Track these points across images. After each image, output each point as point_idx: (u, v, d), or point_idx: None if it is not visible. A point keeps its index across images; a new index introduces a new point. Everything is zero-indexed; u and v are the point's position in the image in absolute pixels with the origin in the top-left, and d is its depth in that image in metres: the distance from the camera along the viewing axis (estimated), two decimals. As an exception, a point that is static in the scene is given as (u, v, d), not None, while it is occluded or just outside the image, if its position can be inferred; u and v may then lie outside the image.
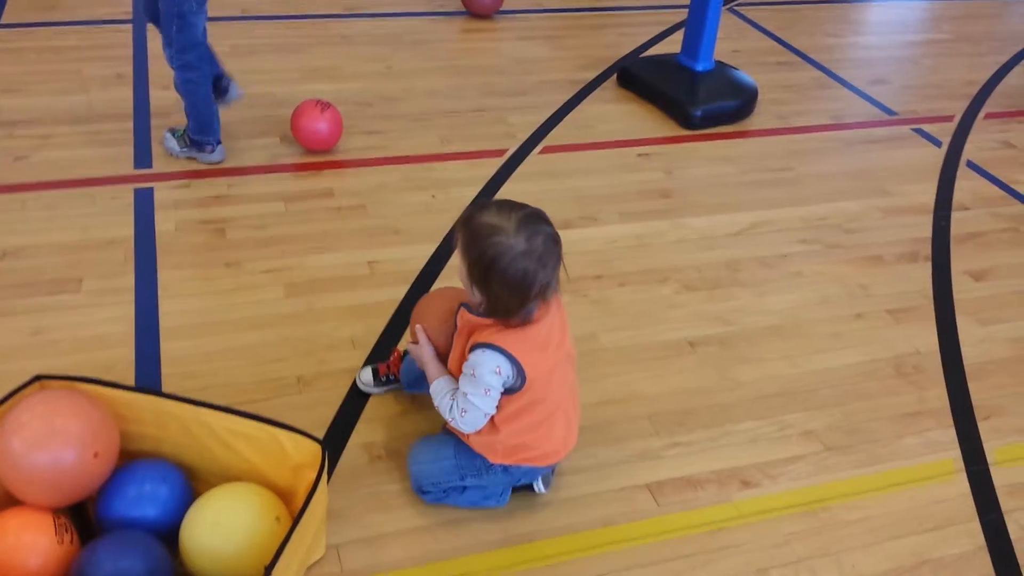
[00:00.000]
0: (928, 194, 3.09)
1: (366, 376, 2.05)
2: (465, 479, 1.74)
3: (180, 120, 2.97)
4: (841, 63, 4.08)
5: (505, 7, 4.29)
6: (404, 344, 2.17)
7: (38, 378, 1.67)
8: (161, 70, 3.40)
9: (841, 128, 3.50)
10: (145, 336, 2.18)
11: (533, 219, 1.54)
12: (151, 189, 2.77)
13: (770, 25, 4.43)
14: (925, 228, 2.89)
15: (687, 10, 3.49)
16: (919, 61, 4.28)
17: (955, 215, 2.97)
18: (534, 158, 3.11)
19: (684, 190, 3.01)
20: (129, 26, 3.83)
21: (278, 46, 3.79)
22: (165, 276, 2.40)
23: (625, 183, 3.01)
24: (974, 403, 2.19)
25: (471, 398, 1.60)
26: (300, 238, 2.60)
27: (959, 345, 2.38)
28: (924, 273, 2.67)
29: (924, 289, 2.59)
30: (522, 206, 1.56)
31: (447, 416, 1.67)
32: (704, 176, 3.10)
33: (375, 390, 2.05)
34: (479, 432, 1.68)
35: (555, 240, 1.55)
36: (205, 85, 2.84)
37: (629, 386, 2.15)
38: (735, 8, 4.60)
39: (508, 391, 1.62)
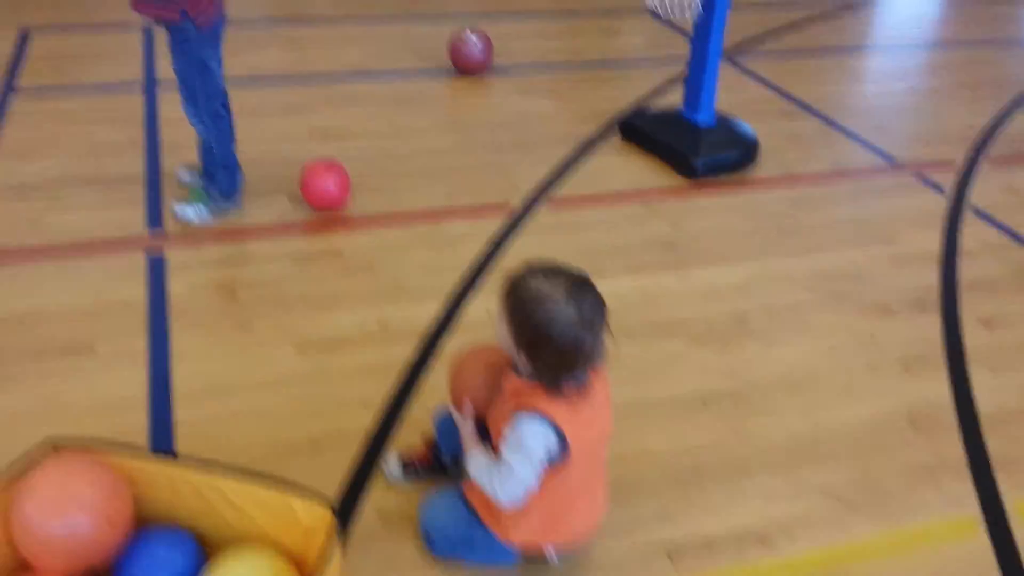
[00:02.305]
0: (934, 241, 3.10)
1: (394, 467, 1.98)
2: (473, 528, 1.72)
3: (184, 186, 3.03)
4: (841, 112, 4.13)
5: (504, 63, 4.36)
6: (435, 410, 2.13)
7: (52, 442, 1.67)
8: (172, 135, 3.47)
9: (843, 177, 3.53)
10: (158, 399, 2.19)
11: (581, 285, 1.55)
12: (163, 252, 2.80)
13: (769, 76, 4.49)
14: (932, 276, 2.90)
15: (686, 63, 3.54)
16: (919, 108, 4.32)
17: (962, 262, 2.98)
18: (539, 212, 3.14)
19: (689, 242, 3.03)
20: (140, 92, 3.90)
21: (285, 107, 3.85)
22: (178, 338, 2.42)
23: (630, 236, 3.03)
24: (991, 455, 2.17)
25: (515, 467, 1.57)
26: (310, 297, 2.61)
27: (972, 396, 2.37)
28: (934, 321, 2.67)
29: (934, 338, 2.59)
30: (568, 271, 1.58)
31: (487, 487, 1.63)
32: (708, 228, 3.12)
33: (403, 481, 1.97)
34: (516, 516, 1.67)
35: (602, 305, 1.56)
36: (232, 131, 2.93)
37: (641, 443, 2.15)
38: (734, 60, 4.67)
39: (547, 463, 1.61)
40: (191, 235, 2.89)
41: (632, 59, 4.72)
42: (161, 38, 4.26)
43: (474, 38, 4.18)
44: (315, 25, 4.99)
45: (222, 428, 2.10)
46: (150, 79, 4.03)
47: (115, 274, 2.68)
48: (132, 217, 2.97)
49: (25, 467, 1.62)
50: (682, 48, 4.68)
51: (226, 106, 2.92)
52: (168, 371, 2.29)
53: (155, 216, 2.98)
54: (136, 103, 3.78)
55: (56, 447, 1.68)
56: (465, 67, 4.24)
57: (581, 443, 1.59)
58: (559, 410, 1.56)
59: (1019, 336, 2.63)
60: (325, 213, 3.03)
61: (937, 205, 3.35)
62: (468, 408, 1.74)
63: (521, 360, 1.58)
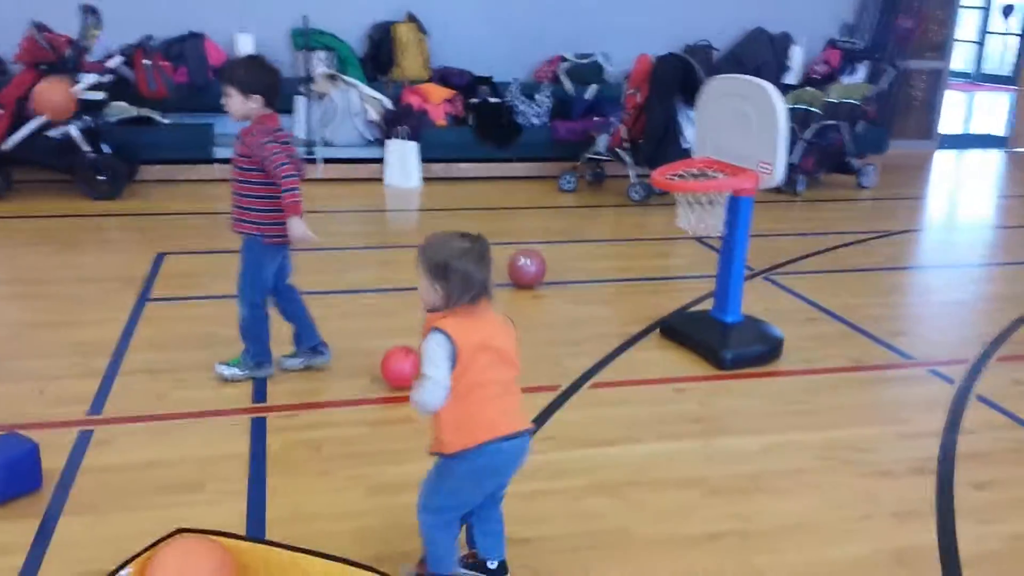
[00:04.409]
0: (939, 421, 3.44)
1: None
2: (437, 470, 2.29)
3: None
4: (865, 319, 4.56)
5: (562, 278, 4.98)
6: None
7: (180, 530, 2.16)
8: (275, 332, 4.12)
9: (860, 370, 3.94)
10: (254, 524, 2.67)
11: (471, 234, 2.20)
12: (264, 418, 3.36)
13: (802, 291, 5.00)
14: (934, 448, 3.23)
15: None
16: (940, 317, 4.76)
17: (962, 438, 3.31)
18: (584, 392, 3.62)
19: (715, 417, 3.45)
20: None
21: (374, 311, 4.52)
22: (272, 482, 2.92)
23: (663, 412, 3.48)
24: (969, 587, 2.44)
25: (426, 373, 2.13)
26: (383, 453, 3.11)
27: (956, 542, 2.66)
28: (929, 483, 2.99)
29: (928, 497, 2.91)
30: (466, 232, 2.21)
31: (415, 401, 2.18)
32: (733, 407, 3.55)
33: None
34: (439, 420, 2.20)
35: (487, 247, 2.18)
36: (266, 320, 3.62)
37: (653, 571, 2.49)
38: (769, 276, 5.22)
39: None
40: (287, 406, 3.45)
41: (677, 276, 5.33)
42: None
43: (527, 260, 4.84)
44: (402, 250, 5.79)
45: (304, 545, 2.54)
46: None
47: (225, 434, 3.23)
48: (241, 393, 3.56)
49: (158, 543, 2.10)
50: (722, 266, 5.27)
51: (264, 303, 3.60)
52: (263, 504, 2.78)
53: (260, 392, 3.57)
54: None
55: (181, 530, 2.17)
56: (520, 283, 4.88)
57: (468, 345, 2.13)
58: (448, 322, 2.15)
59: (1007, 496, 2.92)
60: (401, 390, 3.57)
61: (946, 393, 3.71)
62: (414, 359, 2.25)
63: (436, 291, 2.17)
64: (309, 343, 3.74)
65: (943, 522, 2.76)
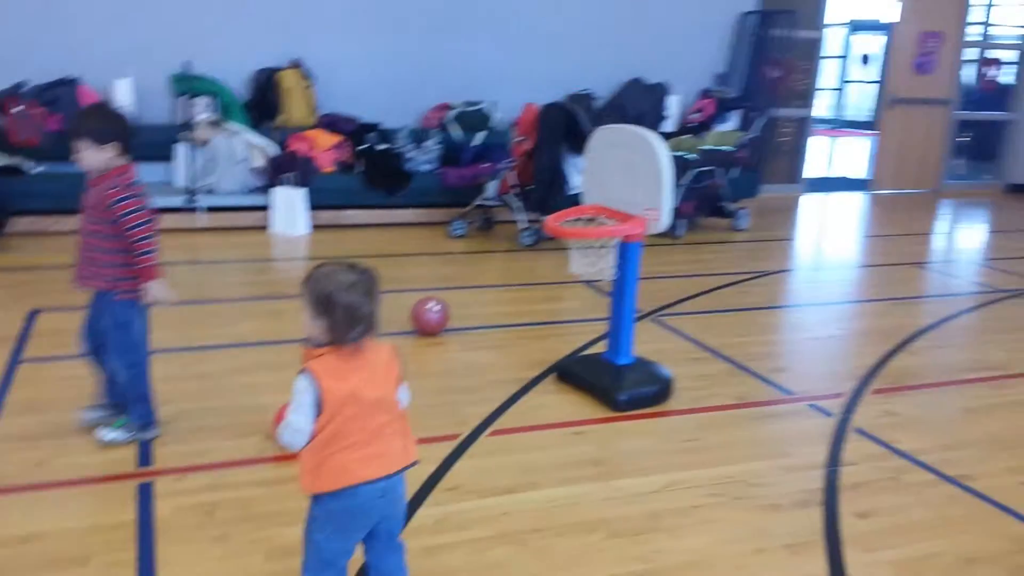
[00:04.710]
0: (821, 454, 3.61)
1: None
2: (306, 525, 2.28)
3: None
4: (746, 357, 4.75)
5: (451, 325, 4.99)
6: None
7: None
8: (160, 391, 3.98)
9: (746, 407, 4.10)
10: (144, 596, 2.54)
11: (362, 267, 2.13)
12: (151, 482, 3.22)
13: (687, 330, 5.17)
14: (818, 480, 3.38)
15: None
16: (815, 352, 5.01)
17: (844, 469, 3.48)
18: (484, 439, 3.63)
19: (612, 459, 3.52)
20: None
21: (263, 365, 4.41)
22: (163, 551, 2.79)
23: (562, 455, 3.52)
24: (857, 613, 2.55)
25: (288, 416, 2.10)
26: (279, 514, 3.02)
27: (846, 570, 2.78)
28: (816, 515, 3.12)
29: (816, 528, 3.03)
30: (352, 262, 2.14)
31: (279, 433, 2.14)
32: (629, 447, 3.63)
33: None
34: (301, 459, 2.17)
35: (375, 280, 2.13)
36: (145, 378, 3.49)
37: (562, 615, 2.51)
38: (658, 318, 5.38)
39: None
40: (175, 468, 3.32)
41: (570, 320, 5.42)
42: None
43: (436, 306, 4.87)
44: (290, 301, 5.69)
45: (201, 614, 2.45)
46: (145, 346, 4.60)
47: (109, 502, 3.08)
48: (125, 456, 3.41)
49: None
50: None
51: (141, 362, 3.47)
52: (153, 575, 2.65)
53: (144, 455, 3.42)
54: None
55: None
56: (425, 330, 4.88)
57: (336, 393, 2.08)
58: (320, 366, 2.08)
59: (888, 523, 3.08)
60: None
61: (826, 426, 3.89)
62: None
63: (317, 326, 2.10)
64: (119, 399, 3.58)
65: (832, 552, 2.88)
